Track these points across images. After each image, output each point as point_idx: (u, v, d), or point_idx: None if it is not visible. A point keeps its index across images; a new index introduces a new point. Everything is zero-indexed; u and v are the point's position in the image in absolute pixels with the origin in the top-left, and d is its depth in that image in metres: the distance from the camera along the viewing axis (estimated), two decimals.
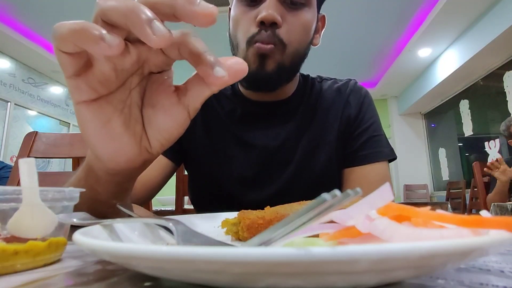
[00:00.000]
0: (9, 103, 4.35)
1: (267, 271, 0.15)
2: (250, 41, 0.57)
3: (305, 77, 0.75)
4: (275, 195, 0.65)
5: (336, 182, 0.68)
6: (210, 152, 0.69)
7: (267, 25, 0.56)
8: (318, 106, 0.70)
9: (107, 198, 0.39)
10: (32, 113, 4.81)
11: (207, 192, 0.72)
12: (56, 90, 5.25)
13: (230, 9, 0.66)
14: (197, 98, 0.31)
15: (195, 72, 0.30)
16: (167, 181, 0.72)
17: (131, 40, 0.28)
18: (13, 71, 4.43)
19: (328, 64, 5.00)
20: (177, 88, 0.33)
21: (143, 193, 0.66)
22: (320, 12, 0.69)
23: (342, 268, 0.14)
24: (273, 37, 0.56)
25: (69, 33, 0.24)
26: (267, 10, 0.55)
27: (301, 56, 0.63)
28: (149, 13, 0.24)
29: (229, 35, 0.65)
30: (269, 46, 0.56)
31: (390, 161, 0.69)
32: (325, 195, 0.15)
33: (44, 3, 3.46)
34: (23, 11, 3.61)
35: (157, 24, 0.24)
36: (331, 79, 0.77)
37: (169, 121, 0.33)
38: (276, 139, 0.67)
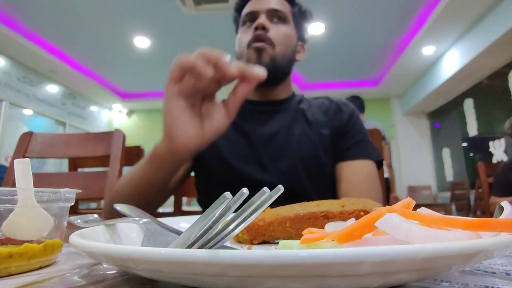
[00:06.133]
0: (3, 102, 4.29)
1: (267, 274, 0.15)
2: (249, 44, 0.78)
3: (297, 94, 0.90)
4: (272, 180, 0.74)
5: (326, 171, 0.78)
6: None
7: (259, 29, 0.77)
8: (311, 109, 0.85)
9: (163, 179, 0.58)
10: (27, 112, 4.75)
11: (212, 176, 0.80)
12: (52, 89, 5.17)
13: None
14: (232, 106, 0.53)
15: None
16: (183, 181, 0.84)
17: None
18: (8, 69, 4.38)
19: (331, 63, 5.00)
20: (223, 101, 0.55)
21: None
22: (306, 41, 0.92)
23: (344, 270, 0.14)
24: (264, 36, 0.77)
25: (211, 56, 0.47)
26: (259, 20, 0.78)
27: (288, 60, 0.81)
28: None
29: (235, 54, 0.86)
30: (262, 44, 0.76)
31: (378, 166, 0.79)
32: (227, 194, 0.16)
33: (42, 1, 3.45)
34: (20, 9, 3.59)
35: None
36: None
37: (217, 119, 0.53)
38: (272, 128, 0.81)
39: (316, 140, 0.79)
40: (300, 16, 0.90)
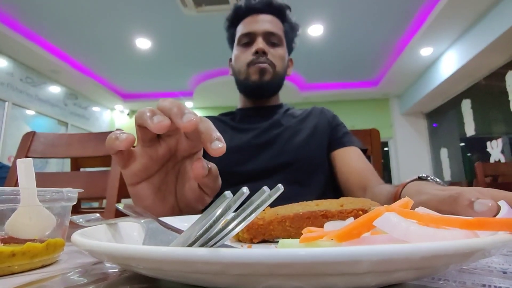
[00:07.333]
0: (6, 103, 4.28)
1: (267, 273, 0.15)
2: (250, 64, 0.87)
3: (284, 104, 1.01)
4: (267, 164, 0.81)
5: (312, 157, 0.85)
6: None
7: (259, 53, 0.86)
8: (297, 112, 0.95)
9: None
10: (30, 112, 4.73)
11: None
12: (55, 90, 5.16)
13: (230, 59, 0.98)
14: (207, 185, 0.43)
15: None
16: None
17: (162, 136, 0.40)
18: (10, 70, 4.36)
19: (330, 64, 4.99)
20: None
21: None
22: (294, 49, 1.02)
23: (343, 269, 0.14)
24: (266, 60, 0.87)
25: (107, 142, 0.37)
26: (258, 45, 0.87)
27: (282, 77, 0.93)
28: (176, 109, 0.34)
29: (232, 68, 0.95)
30: (266, 65, 0.87)
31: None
32: (227, 193, 0.16)
33: (44, 2, 3.44)
34: (22, 10, 3.58)
35: (187, 115, 0.34)
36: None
37: (194, 197, 0.44)
38: (265, 122, 0.90)
39: (304, 130, 0.88)
40: (291, 31, 0.98)
